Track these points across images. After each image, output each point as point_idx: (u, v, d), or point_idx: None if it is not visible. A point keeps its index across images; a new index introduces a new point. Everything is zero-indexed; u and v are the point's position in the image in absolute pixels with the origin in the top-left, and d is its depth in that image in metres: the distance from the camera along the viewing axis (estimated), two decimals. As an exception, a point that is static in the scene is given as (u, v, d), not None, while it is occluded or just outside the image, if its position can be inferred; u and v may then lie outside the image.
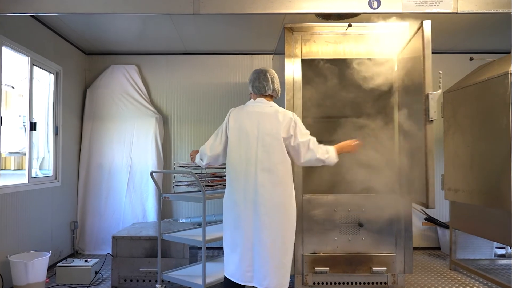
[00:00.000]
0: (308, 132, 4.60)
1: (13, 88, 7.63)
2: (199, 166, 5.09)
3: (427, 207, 4.83)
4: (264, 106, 4.60)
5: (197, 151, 5.06)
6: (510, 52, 6.19)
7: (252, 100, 4.73)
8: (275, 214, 4.36)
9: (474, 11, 5.22)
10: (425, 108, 4.80)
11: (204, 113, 8.99)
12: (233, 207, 4.49)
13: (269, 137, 4.44)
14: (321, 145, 4.61)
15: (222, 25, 7.40)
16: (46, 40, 7.33)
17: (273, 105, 4.63)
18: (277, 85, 4.71)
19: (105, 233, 8.42)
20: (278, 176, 4.41)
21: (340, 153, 4.74)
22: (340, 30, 6.09)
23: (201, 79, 9.01)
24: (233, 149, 4.54)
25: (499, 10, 5.20)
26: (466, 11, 5.20)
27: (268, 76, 4.64)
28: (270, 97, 4.70)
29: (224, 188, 4.68)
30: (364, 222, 6.03)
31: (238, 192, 4.46)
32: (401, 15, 5.41)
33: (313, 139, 4.58)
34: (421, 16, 5.16)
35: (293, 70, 6.05)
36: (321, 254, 6.05)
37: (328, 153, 4.60)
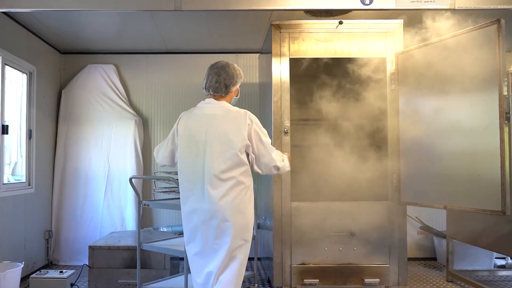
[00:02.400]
0: (266, 132, 4.39)
1: (-17, 89, 7.58)
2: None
3: (504, 213, 4.75)
4: (212, 107, 4.41)
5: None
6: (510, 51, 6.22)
7: (202, 101, 4.54)
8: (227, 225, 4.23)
9: (473, 7, 5.22)
10: (501, 109, 4.72)
11: (186, 116, 8.88)
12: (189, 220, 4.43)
13: (218, 143, 4.25)
14: (278, 151, 4.50)
15: (205, 23, 7.36)
16: (18, 38, 7.26)
17: (224, 105, 4.40)
18: (230, 80, 4.42)
19: (81, 242, 8.33)
20: (228, 185, 4.21)
21: None
22: (331, 28, 6.08)
23: (183, 80, 8.96)
24: (182, 158, 4.43)
25: (499, 7, 5.20)
26: (464, 8, 5.21)
27: (215, 71, 4.43)
28: (222, 96, 4.45)
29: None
30: (355, 231, 6.03)
31: (192, 203, 4.35)
32: (395, 12, 5.42)
33: (269, 141, 4.43)
34: (414, 13, 5.17)
35: (280, 70, 6.03)
36: (311, 265, 6.03)
37: (283, 161, 4.48)
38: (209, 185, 4.18)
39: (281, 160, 4.43)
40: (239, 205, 4.24)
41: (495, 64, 4.72)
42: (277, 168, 4.43)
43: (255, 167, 4.42)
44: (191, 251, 4.38)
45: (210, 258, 4.23)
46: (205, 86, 4.46)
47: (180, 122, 4.55)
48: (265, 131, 4.39)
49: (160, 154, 4.75)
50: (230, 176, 4.20)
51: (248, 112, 4.34)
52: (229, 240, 4.17)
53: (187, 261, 4.56)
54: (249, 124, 4.26)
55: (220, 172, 4.18)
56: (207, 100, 4.47)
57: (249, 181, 4.36)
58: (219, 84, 4.38)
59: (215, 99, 4.44)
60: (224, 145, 4.22)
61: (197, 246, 4.32)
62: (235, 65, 4.57)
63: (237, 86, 4.55)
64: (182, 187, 4.41)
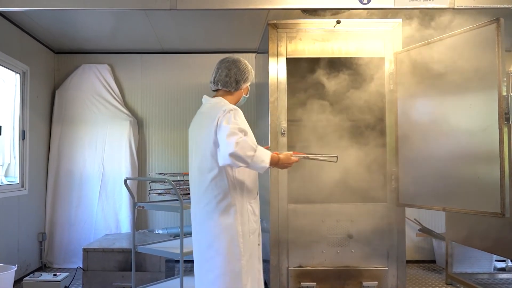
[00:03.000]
0: (237, 125, 3.82)
1: (-25, 89, 7.58)
2: (175, 173, 5.05)
3: (503, 215, 4.72)
4: (204, 105, 4.31)
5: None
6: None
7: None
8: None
9: (472, 6, 5.22)
10: (500, 110, 4.71)
11: (181, 116, 8.92)
12: None
13: (195, 144, 4.18)
14: (246, 138, 3.81)
15: (201, 22, 7.36)
16: (12, 37, 7.25)
17: (212, 101, 4.23)
18: (241, 76, 4.28)
19: (75, 245, 8.32)
20: (203, 187, 4.06)
21: (273, 165, 4.02)
22: (328, 27, 6.07)
23: (178, 80, 8.96)
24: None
25: (499, 6, 5.21)
26: (463, 7, 5.21)
27: (225, 65, 4.26)
28: (230, 93, 4.28)
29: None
30: (353, 233, 6.02)
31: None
32: (393, 11, 5.42)
33: (230, 126, 3.80)
34: (412, 12, 5.18)
35: (277, 70, 6.01)
36: (308, 268, 6.02)
37: (255, 151, 3.75)
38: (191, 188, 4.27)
39: (247, 148, 3.71)
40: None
41: (494, 63, 4.72)
42: (237, 158, 3.69)
43: (219, 158, 3.86)
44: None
45: None
46: (214, 80, 4.26)
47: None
48: (234, 120, 3.87)
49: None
50: (204, 179, 4.05)
51: (225, 107, 3.96)
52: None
53: (183, 264, 4.55)
54: (219, 117, 3.89)
55: (196, 174, 4.16)
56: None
57: (219, 189, 4.02)
58: (229, 78, 4.20)
59: (219, 95, 4.25)
60: (201, 145, 4.08)
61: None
62: (246, 61, 4.41)
63: (248, 84, 4.41)
64: None
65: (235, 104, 4.20)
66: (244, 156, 3.68)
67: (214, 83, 4.27)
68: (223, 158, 3.77)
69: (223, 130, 3.78)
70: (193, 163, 4.18)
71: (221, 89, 4.25)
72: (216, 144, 3.87)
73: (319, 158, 4.42)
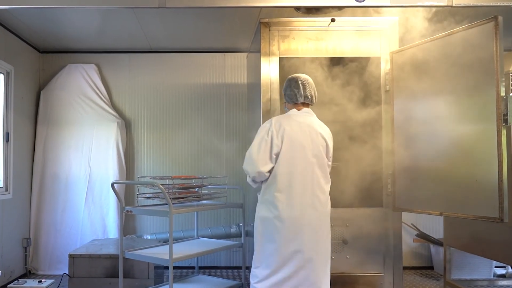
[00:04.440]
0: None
1: (-43, 89, 7.56)
2: (165, 176, 5.07)
3: (501, 220, 4.72)
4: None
5: None
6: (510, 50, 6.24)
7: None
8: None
9: (471, 4, 5.23)
10: (498, 111, 4.71)
11: (171, 118, 8.93)
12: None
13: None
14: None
15: (191, 20, 7.35)
16: (-5, 36, 7.24)
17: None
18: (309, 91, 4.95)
19: (61, 250, 8.31)
20: (327, 192, 4.83)
21: None
22: (322, 26, 6.07)
23: (168, 80, 8.95)
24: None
25: (499, 3, 5.22)
26: (462, 5, 5.22)
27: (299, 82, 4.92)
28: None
29: (194, 200, 4.66)
30: (348, 238, 6.01)
31: (295, 209, 4.65)
32: (390, 9, 5.43)
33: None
34: (408, 10, 5.19)
35: (269, 69, 6.01)
36: (301, 274, 6.02)
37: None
38: (316, 192, 4.82)
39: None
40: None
41: (492, 63, 4.72)
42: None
43: None
44: None
45: None
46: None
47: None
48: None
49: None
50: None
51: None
52: None
53: (172, 270, 4.57)
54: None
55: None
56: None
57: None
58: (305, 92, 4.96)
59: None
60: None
61: None
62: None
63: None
64: (286, 192, 4.75)
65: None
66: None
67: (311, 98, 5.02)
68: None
69: None
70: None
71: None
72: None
73: None
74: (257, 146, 4.68)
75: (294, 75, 4.95)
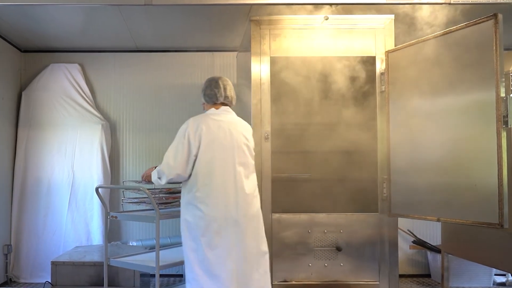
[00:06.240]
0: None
1: None
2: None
3: (501, 226, 4.70)
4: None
5: (152, 169, 5.23)
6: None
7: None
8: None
9: (470, 2, 5.23)
10: (498, 113, 4.69)
11: (158, 119, 8.88)
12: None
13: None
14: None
15: (178, 18, 7.32)
16: (-27, 34, 7.20)
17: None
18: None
19: (43, 257, 8.23)
20: (252, 188, 4.93)
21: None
22: (315, 24, 6.06)
23: (154, 80, 8.91)
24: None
25: (498, 0, 5.21)
26: (460, 2, 5.22)
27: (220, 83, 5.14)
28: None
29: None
30: (342, 245, 6.01)
31: (218, 208, 4.74)
32: (385, 7, 5.42)
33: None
34: (404, 7, 5.18)
35: (260, 69, 6.01)
36: (293, 283, 6.00)
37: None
38: (239, 185, 4.92)
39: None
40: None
41: (492, 63, 4.71)
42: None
43: None
44: None
45: None
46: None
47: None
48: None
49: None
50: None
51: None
52: None
53: (159, 278, 4.59)
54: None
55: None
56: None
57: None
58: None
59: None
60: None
61: None
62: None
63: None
64: (205, 193, 4.88)
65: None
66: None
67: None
68: None
69: None
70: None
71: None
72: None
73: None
74: (174, 150, 4.84)
75: (214, 76, 5.23)
